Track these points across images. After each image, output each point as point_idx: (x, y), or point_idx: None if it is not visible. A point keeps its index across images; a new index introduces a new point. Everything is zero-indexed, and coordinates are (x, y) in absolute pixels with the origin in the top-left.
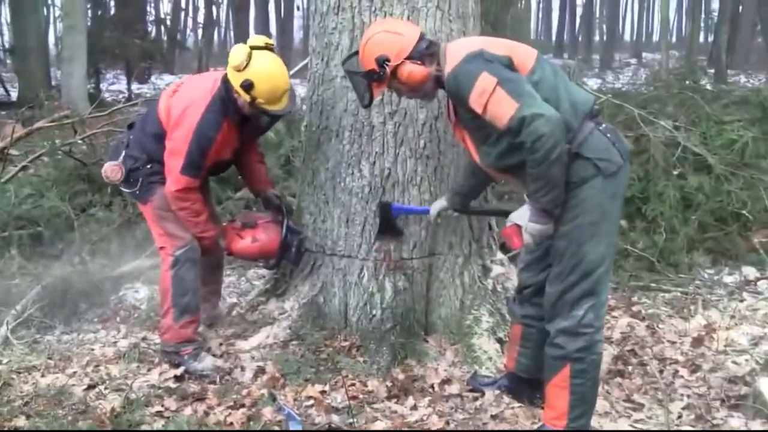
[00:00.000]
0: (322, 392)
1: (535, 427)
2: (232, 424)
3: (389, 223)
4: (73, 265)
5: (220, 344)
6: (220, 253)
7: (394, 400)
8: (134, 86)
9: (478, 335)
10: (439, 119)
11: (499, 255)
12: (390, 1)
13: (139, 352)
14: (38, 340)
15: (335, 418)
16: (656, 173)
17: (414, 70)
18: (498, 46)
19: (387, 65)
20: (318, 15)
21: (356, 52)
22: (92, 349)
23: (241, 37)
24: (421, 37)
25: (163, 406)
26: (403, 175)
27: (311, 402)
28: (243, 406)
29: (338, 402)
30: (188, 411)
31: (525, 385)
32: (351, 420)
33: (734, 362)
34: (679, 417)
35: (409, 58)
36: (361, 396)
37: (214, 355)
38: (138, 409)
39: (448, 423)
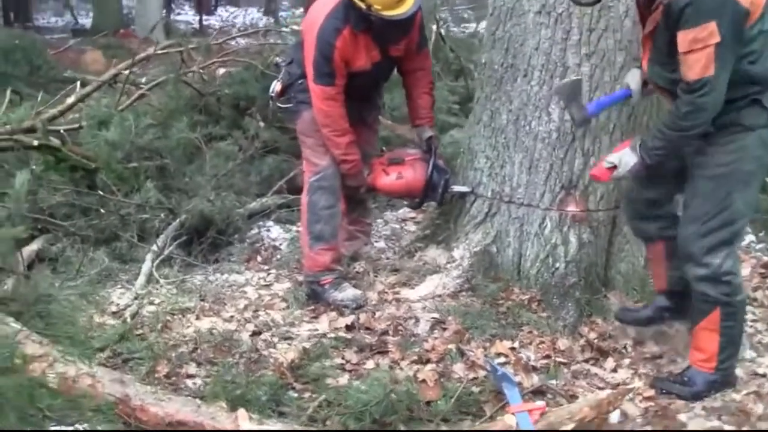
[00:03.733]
0: (512, 349)
1: None
2: (424, 381)
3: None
4: (208, 199)
5: (385, 291)
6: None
7: (592, 361)
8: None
9: None
10: (637, 62)
11: None
12: None
13: (297, 298)
14: (185, 280)
15: (535, 379)
16: None
17: None
18: None
19: None
20: None
21: None
22: (245, 292)
23: None
24: None
25: (343, 358)
26: (596, 121)
27: (503, 359)
28: (429, 361)
29: (532, 360)
30: (370, 364)
31: (685, 299)
32: (554, 381)
33: None
34: None
35: None
36: (553, 355)
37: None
38: (316, 361)
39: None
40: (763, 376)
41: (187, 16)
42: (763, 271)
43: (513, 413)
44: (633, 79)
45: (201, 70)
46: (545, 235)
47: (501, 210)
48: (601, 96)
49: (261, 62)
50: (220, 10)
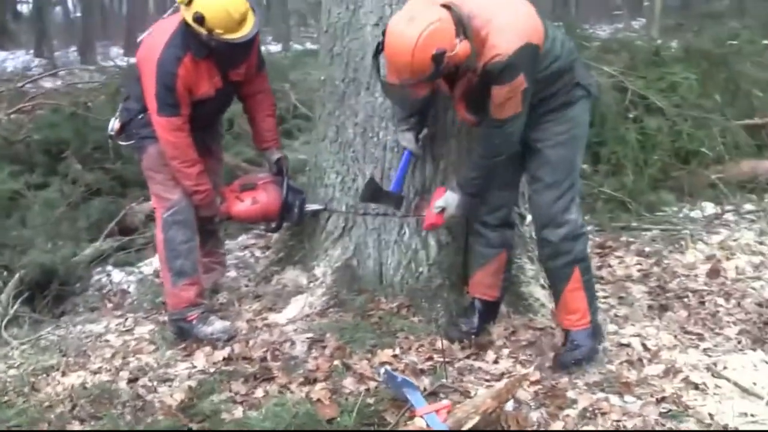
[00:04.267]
0: (395, 356)
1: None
2: (319, 400)
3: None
4: (44, 251)
5: (253, 318)
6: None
7: (473, 356)
8: None
9: (526, 283)
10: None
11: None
12: None
13: (165, 338)
14: (40, 338)
15: (426, 382)
16: (610, 117)
17: (466, 47)
18: (536, 28)
19: (445, 57)
20: None
21: (379, 50)
22: (107, 341)
23: None
24: (447, 7)
25: (231, 390)
26: (442, 126)
27: (391, 367)
28: (317, 380)
29: (417, 364)
30: (260, 392)
31: (496, 309)
32: (445, 380)
33: (753, 288)
34: (740, 342)
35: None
36: (435, 356)
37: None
38: (205, 397)
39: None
40: (629, 345)
41: None
42: (599, 250)
43: (421, 416)
44: (407, 140)
45: (8, 117)
46: (405, 242)
47: (357, 223)
48: (395, 172)
49: (69, 103)
50: None
